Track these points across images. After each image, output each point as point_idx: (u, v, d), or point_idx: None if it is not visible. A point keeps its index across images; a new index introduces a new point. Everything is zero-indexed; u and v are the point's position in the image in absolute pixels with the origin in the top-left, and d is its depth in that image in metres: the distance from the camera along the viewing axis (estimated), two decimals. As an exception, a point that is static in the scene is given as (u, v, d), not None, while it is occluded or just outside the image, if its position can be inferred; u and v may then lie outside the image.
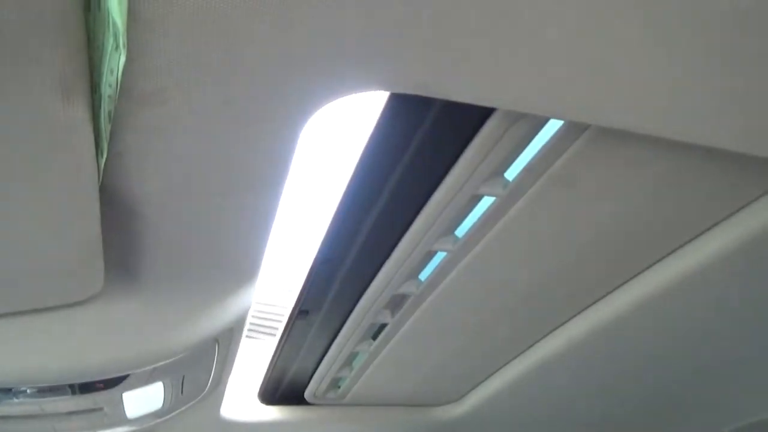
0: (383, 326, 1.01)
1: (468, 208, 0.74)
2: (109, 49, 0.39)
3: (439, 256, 0.83)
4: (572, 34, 0.44)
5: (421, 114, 0.62)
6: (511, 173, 0.69)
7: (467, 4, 0.42)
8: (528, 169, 0.67)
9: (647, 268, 0.85)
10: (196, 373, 0.95)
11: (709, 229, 0.77)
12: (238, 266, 0.77)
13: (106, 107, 0.44)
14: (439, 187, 0.70)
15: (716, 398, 1.26)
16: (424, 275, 0.88)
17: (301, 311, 0.97)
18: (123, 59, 0.39)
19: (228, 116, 0.51)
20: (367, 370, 1.19)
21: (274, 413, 1.35)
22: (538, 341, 1.11)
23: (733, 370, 1.10)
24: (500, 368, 1.25)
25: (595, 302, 0.95)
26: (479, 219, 0.75)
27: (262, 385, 1.30)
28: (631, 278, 0.88)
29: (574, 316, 0.99)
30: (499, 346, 1.15)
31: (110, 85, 0.42)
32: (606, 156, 0.64)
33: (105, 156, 0.51)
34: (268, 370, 1.24)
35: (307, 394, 1.33)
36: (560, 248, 0.81)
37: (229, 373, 1.08)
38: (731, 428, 1.40)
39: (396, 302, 0.94)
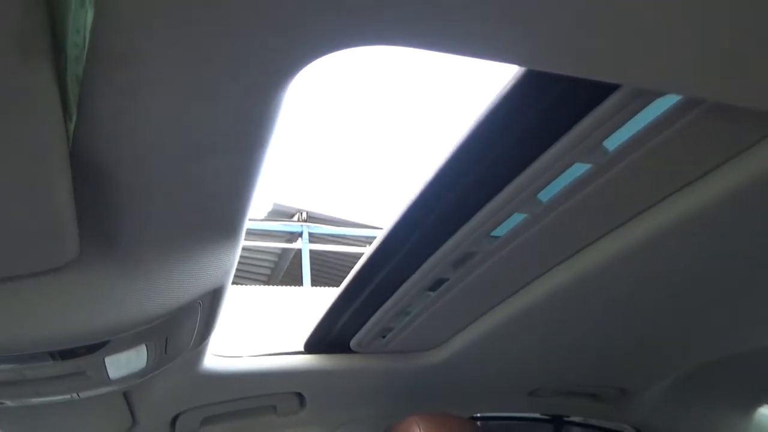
0: (442, 280, 1.05)
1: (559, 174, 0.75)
2: (74, 5, 0.35)
3: (516, 218, 0.86)
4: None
5: (543, 84, 0.62)
6: (611, 143, 0.71)
7: None
8: (629, 142, 0.69)
9: (632, 218, 0.86)
10: (180, 333, 0.94)
11: (693, 182, 0.77)
12: (221, 228, 0.74)
13: (73, 69, 0.41)
14: (543, 154, 0.71)
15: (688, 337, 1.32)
16: (499, 232, 0.91)
17: (373, 265, 1.01)
18: (90, 17, 0.35)
19: (207, 75, 0.48)
20: (417, 320, 1.24)
21: (317, 360, 1.43)
22: (523, 288, 1.13)
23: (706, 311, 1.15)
24: (481, 316, 1.29)
25: (577, 252, 0.96)
26: (567, 185, 0.77)
27: (311, 335, 1.36)
28: (615, 228, 0.88)
29: (558, 265, 1.01)
30: (482, 299, 1.18)
31: (76, 45, 0.38)
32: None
33: (74, 119, 0.48)
34: (321, 321, 1.29)
35: (353, 343, 1.39)
36: None
37: (213, 327, 1.07)
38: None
39: (462, 258, 0.98)
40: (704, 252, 0.88)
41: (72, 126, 0.48)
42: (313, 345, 1.43)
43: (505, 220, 0.85)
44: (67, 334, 0.78)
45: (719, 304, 1.09)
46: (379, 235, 0.96)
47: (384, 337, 1.38)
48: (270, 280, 9.10)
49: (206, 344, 1.17)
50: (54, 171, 0.54)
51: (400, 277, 1.05)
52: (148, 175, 0.59)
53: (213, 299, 0.91)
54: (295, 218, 8.36)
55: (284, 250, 8.65)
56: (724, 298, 1.07)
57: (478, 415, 1.87)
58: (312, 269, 8.11)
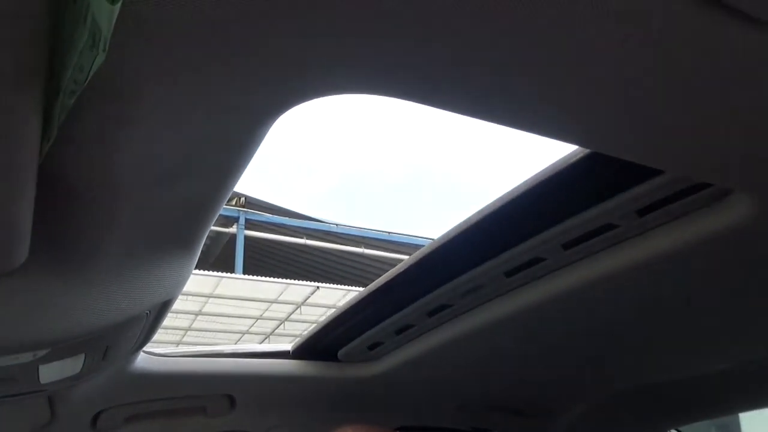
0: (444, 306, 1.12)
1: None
2: (81, 46, 0.34)
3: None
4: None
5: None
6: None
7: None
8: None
9: (566, 266, 0.91)
10: (121, 342, 0.90)
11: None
12: (179, 245, 0.72)
13: (65, 100, 0.38)
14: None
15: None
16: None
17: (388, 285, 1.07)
18: (100, 60, 0.33)
19: (196, 111, 0.47)
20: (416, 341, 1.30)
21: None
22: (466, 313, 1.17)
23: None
24: (422, 335, 1.32)
25: (515, 288, 1.02)
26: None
27: (302, 342, 1.41)
28: (547, 274, 0.93)
29: (496, 298, 1.07)
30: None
31: (76, 82, 0.36)
32: None
33: (51, 141, 0.45)
34: (316, 329, 1.34)
35: (341, 354, 1.43)
36: None
37: (155, 333, 1.04)
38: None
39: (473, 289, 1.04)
40: (624, 301, 0.97)
41: (48, 146, 0.46)
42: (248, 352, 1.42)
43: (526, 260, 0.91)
44: (5, 341, 0.74)
45: (634, 342, 1.20)
46: (407, 261, 1.03)
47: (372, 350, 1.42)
48: (200, 263, 8.86)
49: (144, 347, 1.13)
50: (18, 184, 0.51)
51: (411, 298, 1.12)
52: (116, 196, 0.57)
53: (161, 310, 0.88)
54: (233, 202, 8.17)
55: (218, 233, 8.44)
56: (639, 338, 1.17)
57: (407, 426, 1.90)
58: (246, 256, 7.96)
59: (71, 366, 0.88)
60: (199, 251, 0.79)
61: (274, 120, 0.51)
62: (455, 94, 0.49)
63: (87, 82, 0.36)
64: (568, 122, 0.54)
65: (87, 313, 0.74)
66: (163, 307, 0.88)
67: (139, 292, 0.75)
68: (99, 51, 0.33)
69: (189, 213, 0.65)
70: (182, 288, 0.87)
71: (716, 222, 0.70)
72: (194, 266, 0.83)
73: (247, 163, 0.59)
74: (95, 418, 1.38)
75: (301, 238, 8.42)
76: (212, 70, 0.42)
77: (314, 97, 0.49)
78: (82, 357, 0.86)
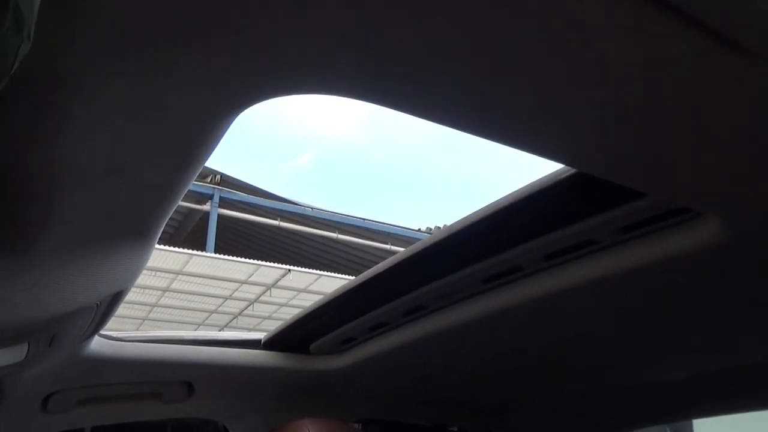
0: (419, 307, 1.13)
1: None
2: (5, 29, 0.30)
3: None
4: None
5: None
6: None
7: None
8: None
9: (530, 275, 0.91)
10: (69, 331, 0.86)
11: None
12: (134, 237, 0.69)
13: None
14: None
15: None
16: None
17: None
18: (25, 47, 0.30)
19: (146, 107, 0.44)
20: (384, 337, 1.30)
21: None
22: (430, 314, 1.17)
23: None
24: (388, 332, 1.32)
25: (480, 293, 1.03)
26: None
27: (275, 333, 1.40)
28: (517, 280, 0.93)
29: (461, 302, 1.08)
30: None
31: (1, 69, 0.32)
32: None
33: None
34: (290, 321, 1.33)
35: (313, 347, 1.43)
36: None
37: (107, 323, 1.00)
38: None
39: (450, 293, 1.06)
40: (587, 310, 0.99)
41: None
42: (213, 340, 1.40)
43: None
44: None
45: (592, 348, 1.23)
46: (393, 258, 1.03)
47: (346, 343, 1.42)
48: (171, 239, 8.72)
49: (95, 334, 1.09)
50: None
51: (390, 296, 1.13)
52: (58, 189, 0.53)
53: (112, 301, 0.84)
54: (208, 179, 8.03)
55: (191, 210, 8.30)
56: (598, 344, 1.20)
57: (370, 419, 1.90)
58: (218, 235, 7.86)
59: (14, 354, 0.84)
60: (155, 243, 0.75)
61: (233, 117, 0.48)
62: (428, 101, 0.47)
63: (14, 68, 0.32)
64: (558, 143, 0.54)
65: (30, 304, 0.70)
66: (116, 298, 0.84)
67: (88, 283, 0.72)
68: (24, 38, 0.30)
69: (143, 206, 0.62)
70: (136, 279, 0.83)
71: (687, 241, 0.73)
72: (149, 258, 0.79)
73: (205, 159, 0.57)
74: (46, 400, 1.34)
75: (275, 219, 8.34)
76: (162, 68, 0.39)
77: (272, 97, 0.46)
78: (25, 345, 0.82)
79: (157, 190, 0.59)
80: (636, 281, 0.81)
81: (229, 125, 0.50)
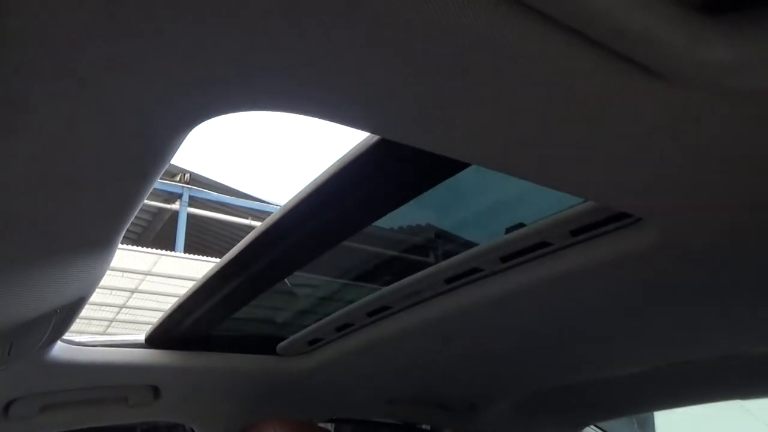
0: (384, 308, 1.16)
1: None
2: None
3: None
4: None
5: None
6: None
7: None
8: None
9: (493, 274, 0.94)
10: (27, 338, 0.86)
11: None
12: (90, 249, 0.69)
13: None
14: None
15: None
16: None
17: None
18: None
19: (97, 126, 0.45)
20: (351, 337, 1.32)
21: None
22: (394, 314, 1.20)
23: None
24: (353, 333, 1.34)
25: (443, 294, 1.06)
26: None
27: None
28: (476, 280, 0.97)
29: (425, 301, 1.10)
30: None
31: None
32: None
33: None
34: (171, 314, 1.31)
35: (280, 348, 1.44)
36: None
37: (67, 329, 0.99)
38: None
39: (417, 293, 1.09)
40: (547, 308, 1.02)
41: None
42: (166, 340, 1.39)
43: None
44: None
45: (554, 345, 1.27)
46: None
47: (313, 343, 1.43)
48: (140, 239, 8.57)
49: (57, 341, 1.08)
50: None
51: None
52: (21, 202, 0.53)
53: (72, 308, 0.84)
54: (177, 178, 7.91)
55: (160, 209, 8.17)
56: (559, 342, 1.24)
57: (338, 418, 1.92)
58: (188, 234, 7.75)
59: (-30, 361, 0.83)
60: (115, 250, 0.76)
61: (184, 134, 0.49)
62: (379, 117, 0.49)
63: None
64: (509, 154, 0.57)
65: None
66: (76, 304, 0.84)
67: (45, 292, 0.72)
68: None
69: (102, 216, 0.63)
70: (96, 286, 0.83)
71: (628, 245, 0.76)
72: (109, 264, 0.79)
73: (161, 171, 0.58)
74: (7, 407, 1.32)
75: (246, 218, 8.27)
76: (107, 86, 0.40)
77: (223, 113, 0.47)
78: (-19, 353, 0.82)
79: (115, 200, 0.60)
80: (586, 281, 0.85)
81: (183, 140, 0.51)
